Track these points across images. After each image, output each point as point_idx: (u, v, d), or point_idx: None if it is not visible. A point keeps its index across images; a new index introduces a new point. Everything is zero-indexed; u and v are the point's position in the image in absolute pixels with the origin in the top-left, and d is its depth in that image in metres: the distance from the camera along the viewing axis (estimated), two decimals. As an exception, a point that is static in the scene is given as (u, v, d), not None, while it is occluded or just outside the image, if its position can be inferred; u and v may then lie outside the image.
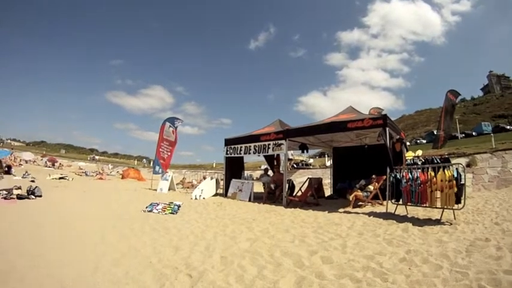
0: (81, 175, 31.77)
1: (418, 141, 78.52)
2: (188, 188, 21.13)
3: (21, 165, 37.52)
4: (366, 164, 11.87)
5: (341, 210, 9.73)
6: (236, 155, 15.73)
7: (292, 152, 20.47)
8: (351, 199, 10.32)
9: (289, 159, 19.73)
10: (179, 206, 10.74)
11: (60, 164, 47.28)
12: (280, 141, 12.83)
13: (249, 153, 14.89)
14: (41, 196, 12.46)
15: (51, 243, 6.13)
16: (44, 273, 4.50)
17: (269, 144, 13.39)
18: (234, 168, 16.22)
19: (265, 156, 15.86)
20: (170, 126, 21.19)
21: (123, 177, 30.59)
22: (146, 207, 10.43)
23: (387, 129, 9.58)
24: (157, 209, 10.17)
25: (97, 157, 76.99)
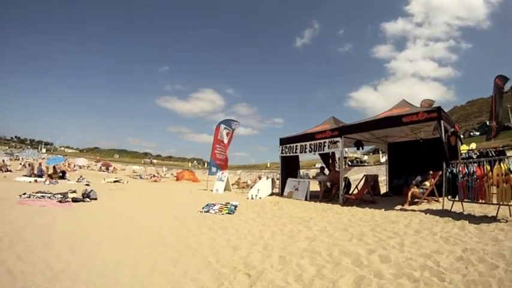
0: (135, 178, 32.79)
1: (472, 133, 75.21)
2: (243, 188, 21.33)
3: (75, 170, 38.74)
4: (421, 160, 11.52)
5: (397, 207, 9.57)
6: (292, 154, 15.71)
7: (347, 149, 20.34)
8: (407, 196, 10.05)
9: (345, 157, 19.56)
10: (236, 206, 10.84)
11: (114, 168, 48.57)
12: (335, 139, 12.69)
13: (305, 152, 14.86)
14: (96, 199, 12.86)
15: (107, 243, 6.38)
16: (98, 272, 4.67)
17: (324, 142, 13.27)
18: (289, 167, 16.19)
19: (320, 154, 15.65)
20: (225, 128, 21.42)
21: (177, 179, 31.09)
22: (203, 208, 10.57)
23: (442, 122, 9.31)
24: (214, 210, 10.29)
25: (155, 161, 79.03)
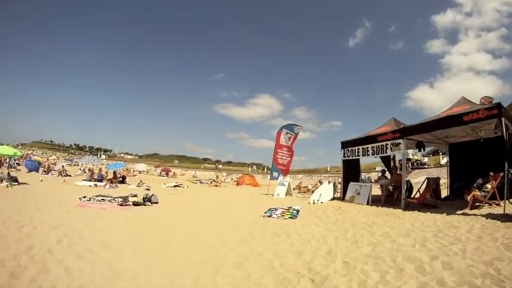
0: (195, 183, 33.11)
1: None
2: (304, 192, 21.17)
3: (135, 175, 39.86)
4: (482, 160, 11.03)
5: (459, 212, 9.29)
6: (354, 157, 15.53)
7: (412, 151, 19.67)
8: (468, 200, 9.66)
9: (408, 159, 18.89)
10: (298, 211, 10.84)
11: (174, 173, 49.35)
12: (397, 141, 12.48)
13: (367, 155, 14.65)
14: (157, 203, 13.15)
15: (168, 246, 6.55)
16: (159, 273, 4.84)
17: (387, 145, 13.08)
18: (351, 171, 16.02)
19: (381, 157, 15.30)
20: (288, 132, 21.41)
21: (238, 184, 31.29)
22: (265, 212, 10.66)
23: (502, 119, 8.88)
24: (276, 214, 10.34)
25: (220, 166, 79.75)
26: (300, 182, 27.82)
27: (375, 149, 13.90)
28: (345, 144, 16.10)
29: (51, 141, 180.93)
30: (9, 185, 16.67)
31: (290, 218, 9.93)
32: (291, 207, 11.37)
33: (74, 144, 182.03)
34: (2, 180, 17.69)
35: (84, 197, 13.44)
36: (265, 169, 69.70)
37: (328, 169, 47.76)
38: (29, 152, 78.92)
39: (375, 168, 34.71)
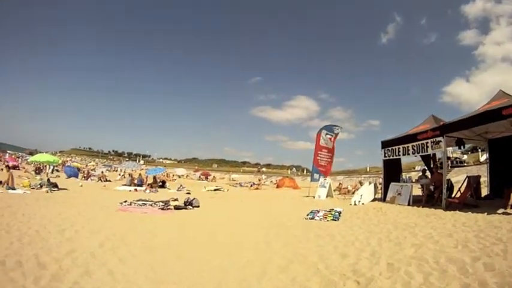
0: (235, 186, 33.32)
1: None
2: (345, 194, 20.98)
3: (175, 180, 40.12)
4: None
5: (500, 211, 9.03)
6: (394, 157, 15.25)
7: (451, 148, 19.19)
8: (509, 199, 9.34)
9: (447, 158, 18.38)
10: (340, 213, 10.82)
11: (213, 177, 49.49)
12: (437, 138, 12.15)
13: (408, 154, 14.37)
14: (198, 206, 13.34)
15: (212, 249, 6.62)
16: (204, 277, 4.86)
17: (427, 143, 12.75)
18: (391, 171, 15.76)
19: (421, 156, 15.11)
20: (327, 133, 21.31)
21: (278, 187, 31.18)
22: (307, 215, 10.69)
23: None
24: (318, 216, 10.38)
25: (263, 169, 79.57)
26: (340, 184, 27.69)
27: (415, 148, 13.61)
28: (385, 144, 15.88)
29: (89, 148, 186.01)
30: (49, 191, 17.03)
31: (332, 220, 9.96)
32: (332, 209, 11.37)
33: (113, 151, 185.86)
34: (42, 186, 18.15)
35: (125, 201, 13.75)
36: (305, 171, 69.04)
37: (368, 169, 46.92)
38: (68, 159, 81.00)
39: (414, 168, 33.95)
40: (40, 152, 44.65)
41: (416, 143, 13.45)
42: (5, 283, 4.25)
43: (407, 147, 14.15)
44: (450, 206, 10.88)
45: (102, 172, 37.93)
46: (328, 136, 21.39)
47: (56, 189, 18.18)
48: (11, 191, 15.27)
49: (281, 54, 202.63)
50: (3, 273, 4.54)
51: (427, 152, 13.11)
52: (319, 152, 21.16)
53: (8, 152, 61.34)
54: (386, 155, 15.68)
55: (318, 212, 11.01)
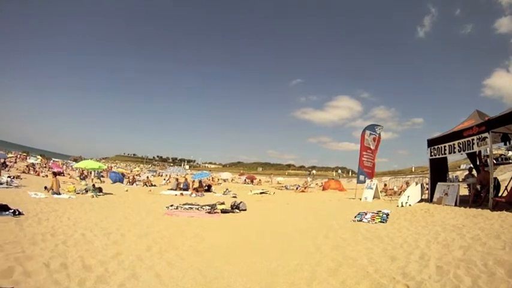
0: (281, 189, 32.89)
1: None
2: (391, 195, 20.51)
3: (220, 183, 39.90)
4: None
5: None
6: (440, 156, 14.64)
7: (496, 145, 18.44)
8: None
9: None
10: (387, 214, 10.62)
11: (259, 180, 48.87)
12: (483, 135, 11.48)
13: (453, 152, 13.76)
14: (245, 210, 13.28)
15: (260, 252, 6.56)
16: (253, 280, 4.83)
17: (473, 140, 12.10)
18: (438, 171, 15.12)
19: (467, 154, 14.52)
20: (371, 133, 20.79)
21: (324, 189, 30.76)
22: (355, 217, 10.58)
23: None
24: (366, 218, 10.25)
25: (314, 171, 78.56)
26: (386, 185, 27.16)
27: (461, 146, 12.98)
28: (431, 142, 15.27)
29: (134, 154, 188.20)
30: (94, 195, 17.14)
31: (380, 222, 9.81)
32: (380, 211, 11.17)
33: (157, 156, 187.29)
34: (87, 191, 18.33)
35: (172, 205, 13.78)
36: (350, 173, 67.78)
37: (413, 170, 45.51)
38: (113, 165, 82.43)
39: (459, 167, 32.71)
40: (85, 159, 45.99)
41: (462, 140, 12.85)
42: (50, 285, 4.33)
43: (453, 145, 13.57)
44: (497, 206, 10.43)
45: (148, 177, 38.47)
46: (372, 136, 20.85)
47: (101, 193, 18.51)
48: (56, 196, 15.54)
49: (319, 55, 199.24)
50: (48, 275, 4.60)
51: (472, 149, 12.54)
52: (364, 153, 20.61)
53: (53, 159, 63.41)
54: (433, 153, 15.09)
55: (366, 214, 10.86)
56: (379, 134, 21.12)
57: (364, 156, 20.57)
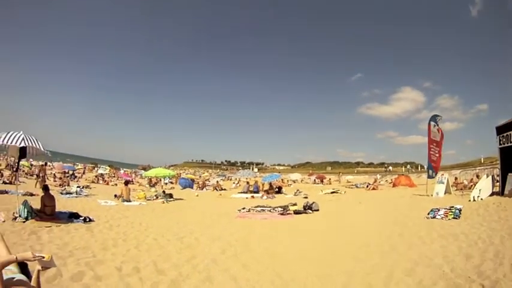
0: (351, 188, 32.03)
1: None
2: (461, 189, 19.48)
3: (290, 185, 39.21)
4: None
5: None
6: (510, 144, 13.45)
7: None
8: None
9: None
10: (460, 210, 10.24)
11: (329, 179, 47.72)
12: None
13: None
14: (318, 210, 13.09)
15: (337, 252, 6.46)
16: (329, 282, 4.75)
17: None
18: (509, 160, 13.64)
19: None
20: (434, 125, 19.66)
21: (394, 185, 29.79)
22: (428, 214, 10.30)
23: None
24: (439, 215, 9.96)
25: (390, 167, 75.94)
26: (457, 178, 25.77)
27: None
28: (500, 130, 14.13)
29: (202, 160, 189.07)
30: (165, 201, 17.19)
31: (453, 218, 9.50)
32: (453, 207, 10.76)
33: (225, 161, 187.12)
34: (157, 197, 18.47)
35: (243, 208, 13.87)
36: (419, 167, 64.77)
37: (482, 161, 42.55)
38: (181, 172, 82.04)
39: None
40: (153, 167, 46.74)
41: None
42: (121, 288, 4.39)
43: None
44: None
45: (217, 182, 38.16)
46: (436, 128, 19.72)
47: (171, 199, 18.53)
48: (126, 203, 15.62)
49: (376, 46, 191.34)
50: (119, 279, 4.64)
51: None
52: (431, 146, 19.53)
53: (122, 169, 65.43)
54: (502, 142, 13.97)
55: (439, 210, 10.54)
56: (439, 125, 19.99)
57: (431, 149, 19.54)
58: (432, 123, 19.63)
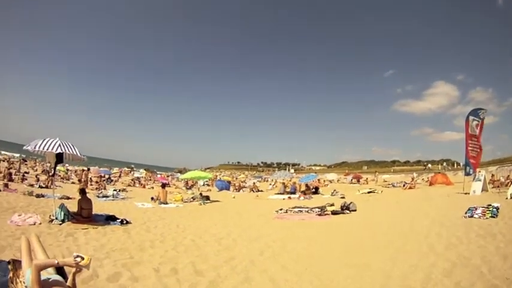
0: (388, 187, 31.37)
1: None
2: (498, 186, 18.67)
3: (327, 185, 38.52)
4: None
5: None
6: None
7: None
8: None
9: None
10: (497, 208, 9.82)
11: (366, 179, 46.49)
12: None
13: None
14: (355, 210, 12.80)
15: (376, 253, 6.34)
16: (368, 283, 4.68)
17: None
18: None
19: None
20: (474, 119, 18.37)
21: (430, 184, 28.93)
22: (466, 212, 9.90)
23: None
24: (477, 214, 9.57)
25: (429, 165, 73.68)
26: (493, 175, 24.74)
27: None
28: None
29: (238, 162, 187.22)
30: (202, 203, 17.12)
31: (491, 217, 9.08)
32: (490, 205, 10.28)
33: (262, 162, 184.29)
34: (194, 199, 18.50)
35: (281, 209, 13.73)
36: (455, 165, 62.54)
37: (519, 156, 40.49)
38: (217, 174, 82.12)
39: None
40: (189, 170, 45.87)
41: None
42: (159, 289, 4.38)
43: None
44: None
45: (254, 183, 37.86)
46: (475, 122, 18.42)
47: (208, 201, 18.45)
48: (163, 205, 15.61)
49: (406, 42, 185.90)
50: (157, 280, 4.64)
51: None
52: (470, 142, 18.45)
53: (158, 172, 65.74)
54: None
55: (476, 209, 10.12)
56: (483, 119, 18.59)
57: (470, 145, 18.50)
58: (471, 117, 18.52)
